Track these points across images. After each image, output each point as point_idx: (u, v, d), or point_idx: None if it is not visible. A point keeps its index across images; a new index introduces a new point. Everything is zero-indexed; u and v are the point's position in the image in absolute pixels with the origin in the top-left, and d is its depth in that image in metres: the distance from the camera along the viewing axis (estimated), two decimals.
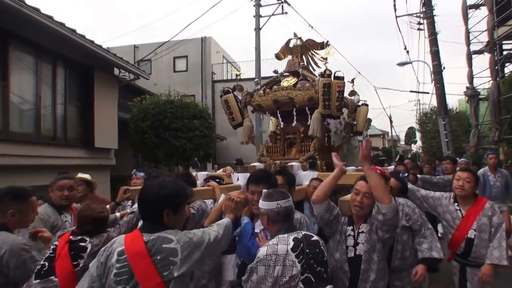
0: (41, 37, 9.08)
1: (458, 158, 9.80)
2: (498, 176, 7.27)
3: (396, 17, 17.72)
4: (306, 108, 5.83)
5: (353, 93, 6.06)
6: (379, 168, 3.64)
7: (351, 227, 3.22)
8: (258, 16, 17.90)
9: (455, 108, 27.39)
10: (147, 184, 2.58)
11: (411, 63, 19.94)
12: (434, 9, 15.16)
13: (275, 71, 6.41)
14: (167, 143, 14.10)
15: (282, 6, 18.18)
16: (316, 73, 6.09)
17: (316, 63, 6.32)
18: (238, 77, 6.39)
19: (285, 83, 5.98)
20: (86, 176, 5.19)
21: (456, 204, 4.04)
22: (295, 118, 5.95)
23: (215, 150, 17.02)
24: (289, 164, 5.22)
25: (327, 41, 6.10)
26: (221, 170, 5.88)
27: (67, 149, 10.28)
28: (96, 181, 5.37)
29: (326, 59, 5.65)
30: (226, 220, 2.92)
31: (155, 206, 2.37)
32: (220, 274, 4.02)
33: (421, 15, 16.16)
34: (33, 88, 9.31)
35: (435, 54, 15.07)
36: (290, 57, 6.37)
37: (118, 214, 4.23)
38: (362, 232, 3.15)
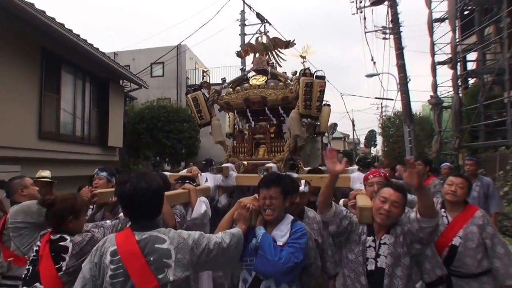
0: (79, 59, 10.09)
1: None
2: (476, 185, 5.69)
3: (365, 32, 17.32)
4: (279, 107, 4.80)
5: None
6: (383, 171, 3.23)
7: (371, 238, 2.57)
8: (243, 34, 17.71)
9: (419, 113, 25.61)
10: (133, 179, 1.92)
11: (378, 75, 19.67)
12: (401, 26, 14.48)
13: (242, 69, 5.35)
14: (160, 143, 14.37)
15: (265, 25, 17.33)
16: (280, 71, 5.13)
17: (278, 62, 5.25)
18: (206, 74, 5.33)
19: (254, 81, 4.93)
20: (47, 173, 4.26)
21: (443, 210, 3.32)
22: (267, 117, 4.95)
23: (198, 150, 16.41)
24: (267, 165, 4.21)
25: (293, 40, 5.13)
26: (185, 170, 4.79)
27: (90, 147, 11.05)
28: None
29: (304, 57, 4.65)
30: (235, 230, 2.33)
31: (154, 203, 1.94)
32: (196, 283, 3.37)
33: (388, 31, 15.52)
34: (72, 99, 10.28)
35: (402, 67, 14.33)
36: (253, 55, 5.28)
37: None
38: (385, 243, 2.51)
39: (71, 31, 8.82)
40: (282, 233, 2.46)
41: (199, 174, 4.28)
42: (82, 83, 10.75)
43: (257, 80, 4.88)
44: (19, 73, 7.93)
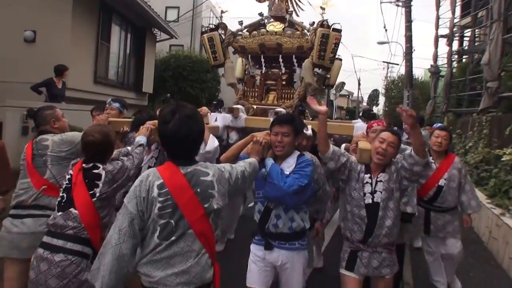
0: (125, 10, 9.93)
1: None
2: None
3: (381, 2, 16.44)
4: (293, 56, 4.40)
5: None
6: (382, 122, 3.27)
7: (368, 175, 2.55)
8: None
9: (421, 77, 24.05)
10: (176, 121, 1.71)
11: (388, 43, 19.25)
12: (412, 0, 14.08)
13: (260, 14, 4.74)
14: (185, 91, 13.62)
15: None
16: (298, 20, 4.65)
17: (296, 11, 4.77)
18: (222, 14, 4.92)
19: (271, 27, 4.45)
20: None
21: (431, 158, 3.46)
22: (281, 65, 4.50)
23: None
24: (277, 109, 3.98)
25: None
26: None
27: (127, 92, 10.81)
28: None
29: (324, 9, 4.25)
30: (253, 159, 2.19)
31: (195, 145, 1.81)
32: None
33: (400, 4, 15.02)
34: (117, 47, 10.20)
35: (409, 38, 14.09)
36: (274, 1, 4.74)
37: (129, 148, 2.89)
38: (380, 181, 2.52)
39: None
40: (288, 165, 2.41)
41: (208, 114, 4.01)
42: (125, 33, 10.59)
43: (275, 26, 4.44)
44: (82, 25, 8.15)
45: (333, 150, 2.56)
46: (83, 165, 2.23)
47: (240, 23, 4.69)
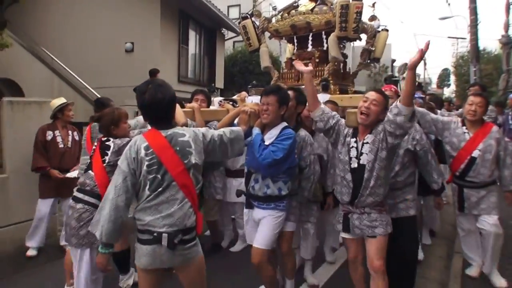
0: (198, 14, 10.69)
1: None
2: None
3: None
4: (323, 32, 4.24)
5: (373, 18, 4.34)
6: (393, 86, 3.10)
7: (354, 139, 2.45)
8: None
9: (495, 50, 20.58)
10: (151, 90, 1.96)
11: (451, 17, 17.08)
12: None
13: None
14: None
15: None
16: None
17: None
18: (256, 3, 4.96)
19: (302, 7, 4.37)
20: (63, 99, 4.01)
21: (464, 127, 3.13)
22: (310, 43, 4.38)
23: None
24: (303, 87, 3.98)
25: None
26: (236, 95, 4.50)
27: (204, 88, 11.68)
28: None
29: None
30: (237, 128, 2.33)
31: (169, 110, 2.01)
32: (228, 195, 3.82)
33: None
34: (194, 49, 11.05)
35: (473, 10, 12.30)
36: None
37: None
38: (367, 143, 2.39)
39: None
40: (271, 135, 2.50)
41: (246, 98, 4.04)
42: (199, 36, 11.34)
43: (305, 6, 4.41)
44: (167, 33, 9.25)
45: (322, 111, 2.54)
46: (102, 138, 2.61)
47: (274, 8, 4.80)
